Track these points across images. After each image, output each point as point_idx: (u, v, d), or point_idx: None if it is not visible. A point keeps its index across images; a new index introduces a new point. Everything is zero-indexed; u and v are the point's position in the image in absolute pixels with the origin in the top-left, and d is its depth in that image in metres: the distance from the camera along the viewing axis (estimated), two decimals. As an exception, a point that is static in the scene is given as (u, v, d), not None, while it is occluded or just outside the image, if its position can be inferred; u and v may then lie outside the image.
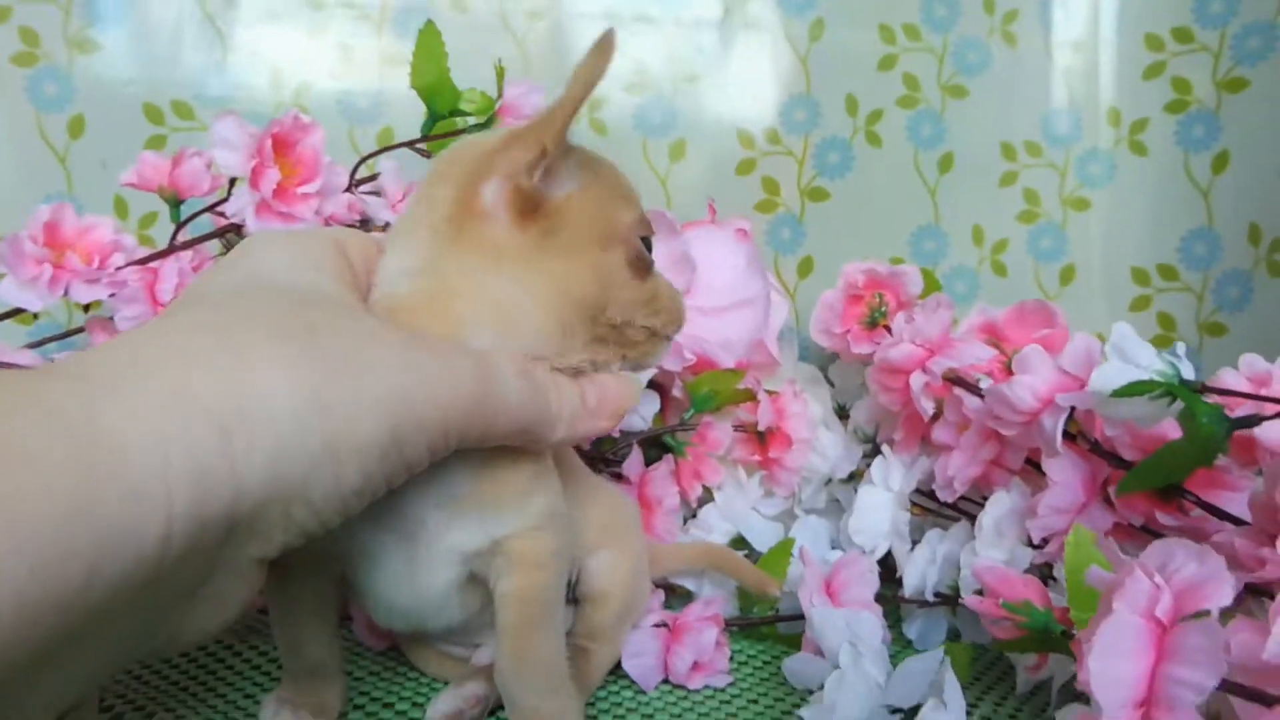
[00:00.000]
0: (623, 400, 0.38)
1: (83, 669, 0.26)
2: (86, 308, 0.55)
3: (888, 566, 0.55)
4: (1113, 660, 0.26)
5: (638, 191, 0.40)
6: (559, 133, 0.35)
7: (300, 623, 0.40)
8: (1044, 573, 0.48)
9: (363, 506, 0.31)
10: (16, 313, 0.54)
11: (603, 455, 0.56)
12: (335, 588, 0.40)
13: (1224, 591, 0.28)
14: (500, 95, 0.51)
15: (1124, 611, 0.27)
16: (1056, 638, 0.39)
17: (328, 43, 0.69)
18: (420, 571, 0.38)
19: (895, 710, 0.38)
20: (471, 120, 0.51)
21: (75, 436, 0.23)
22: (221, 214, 0.51)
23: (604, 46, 0.36)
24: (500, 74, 0.51)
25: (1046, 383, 0.44)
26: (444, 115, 0.51)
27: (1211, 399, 0.41)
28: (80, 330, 0.59)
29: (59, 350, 0.57)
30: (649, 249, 0.39)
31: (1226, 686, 0.30)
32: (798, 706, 0.43)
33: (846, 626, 0.43)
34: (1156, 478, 0.41)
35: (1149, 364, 0.40)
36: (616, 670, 0.47)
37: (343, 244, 0.36)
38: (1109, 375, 0.40)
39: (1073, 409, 0.45)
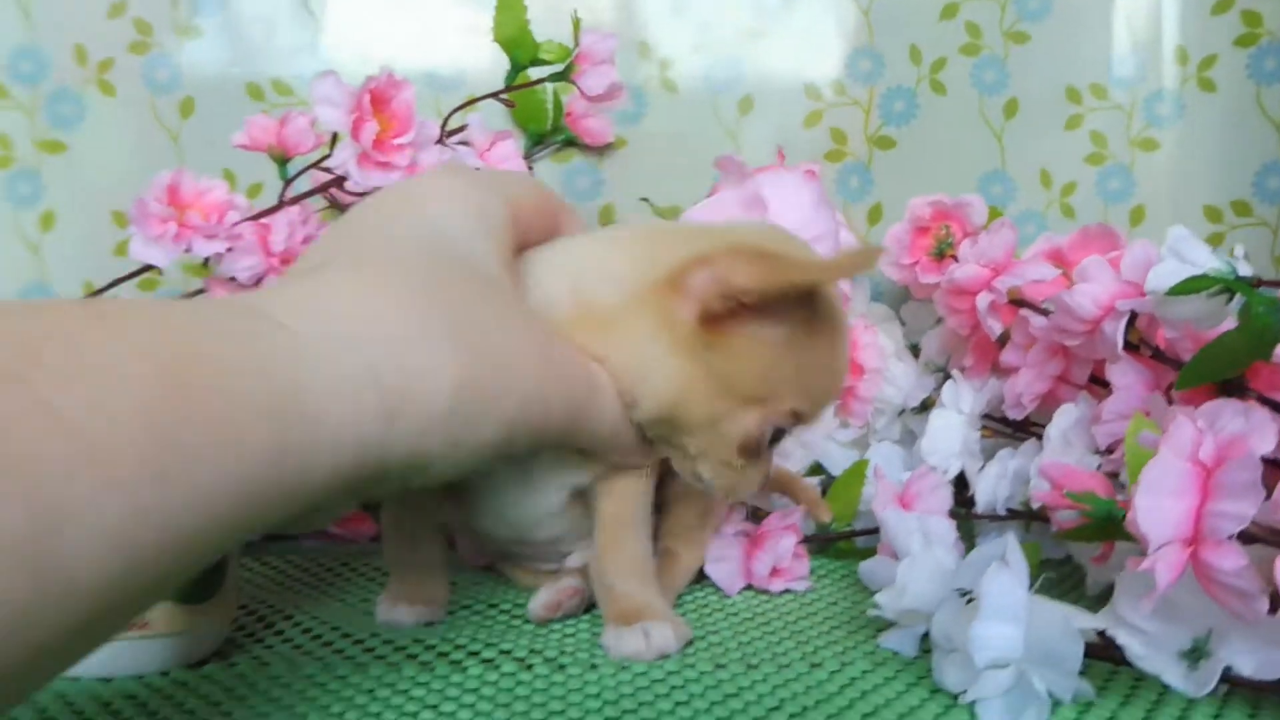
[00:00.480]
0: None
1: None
2: (206, 262, 0.60)
3: (960, 491, 0.57)
4: (1159, 498, 0.29)
5: (830, 392, 0.41)
6: (769, 290, 0.36)
7: (413, 523, 0.44)
8: (1111, 481, 0.49)
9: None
10: (147, 269, 0.60)
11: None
12: (443, 495, 0.44)
13: (1266, 441, 0.30)
14: (577, 45, 0.55)
15: (1169, 455, 0.29)
16: (1119, 523, 0.40)
17: (411, 18, 0.73)
18: (532, 494, 0.43)
19: (965, 593, 0.41)
20: (548, 70, 0.55)
21: (281, 395, 0.26)
22: (325, 169, 0.56)
23: (868, 255, 0.38)
24: (576, 25, 0.54)
25: (1107, 290, 0.46)
26: (525, 65, 0.55)
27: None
28: (201, 291, 0.64)
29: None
30: (774, 439, 0.41)
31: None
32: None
33: (918, 526, 0.45)
34: (1213, 371, 0.42)
35: (1205, 263, 0.42)
36: (701, 578, 0.50)
37: (517, 204, 0.39)
38: (1165, 275, 0.42)
39: (1134, 316, 0.46)
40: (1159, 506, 0.29)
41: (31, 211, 0.74)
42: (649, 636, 0.40)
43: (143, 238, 0.56)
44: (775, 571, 0.49)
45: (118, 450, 0.21)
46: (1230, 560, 0.28)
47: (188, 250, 0.57)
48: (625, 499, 0.42)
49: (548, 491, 0.42)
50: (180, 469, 0.23)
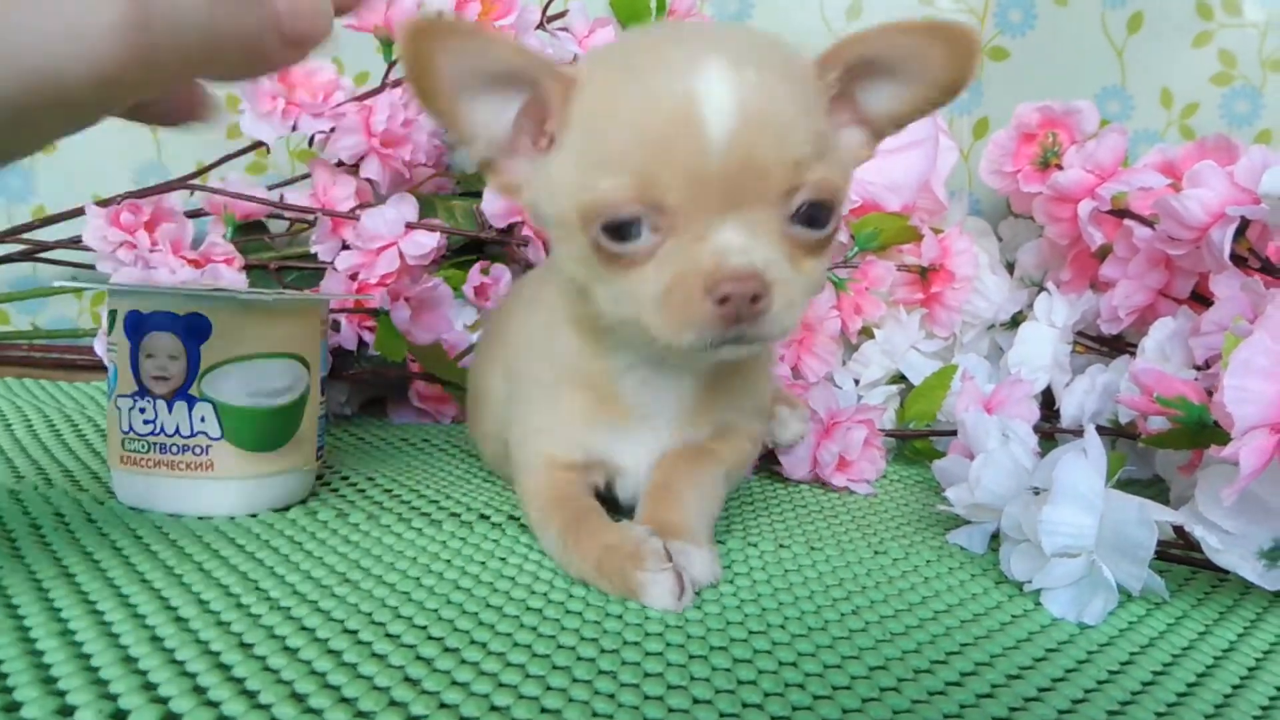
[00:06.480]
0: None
1: None
2: (311, 142, 0.62)
3: (1046, 408, 0.56)
4: (1250, 379, 0.27)
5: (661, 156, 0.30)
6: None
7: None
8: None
9: None
10: (255, 146, 0.62)
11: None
12: None
13: (1372, 327, 0.28)
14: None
15: (1263, 337, 0.28)
16: (1211, 429, 0.39)
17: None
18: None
19: (1040, 492, 0.40)
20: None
21: None
22: (426, 51, 0.56)
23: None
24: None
25: (1218, 195, 0.44)
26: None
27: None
28: (306, 176, 0.66)
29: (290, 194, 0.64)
30: (630, 236, 0.32)
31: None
32: (946, 502, 0.45)
33: (998, 426, 0.44)
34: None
35: (1326, 165, 0.40)
36: (773, 467, 0.50)
37: None
38: (1281, 175, 0.40)
39: (1244, 224, 0.44)
40: (1248, 388, 0.28)
41: (150, 94, 0.76)
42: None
43: (253, 114, 0.58)
44: (842, 464, 0.49)
45: None
46: (1320, 447, 0.27)
47: (294, 129, 0.59)
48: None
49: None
50: None
